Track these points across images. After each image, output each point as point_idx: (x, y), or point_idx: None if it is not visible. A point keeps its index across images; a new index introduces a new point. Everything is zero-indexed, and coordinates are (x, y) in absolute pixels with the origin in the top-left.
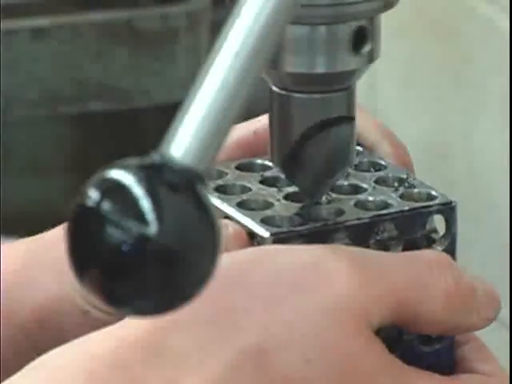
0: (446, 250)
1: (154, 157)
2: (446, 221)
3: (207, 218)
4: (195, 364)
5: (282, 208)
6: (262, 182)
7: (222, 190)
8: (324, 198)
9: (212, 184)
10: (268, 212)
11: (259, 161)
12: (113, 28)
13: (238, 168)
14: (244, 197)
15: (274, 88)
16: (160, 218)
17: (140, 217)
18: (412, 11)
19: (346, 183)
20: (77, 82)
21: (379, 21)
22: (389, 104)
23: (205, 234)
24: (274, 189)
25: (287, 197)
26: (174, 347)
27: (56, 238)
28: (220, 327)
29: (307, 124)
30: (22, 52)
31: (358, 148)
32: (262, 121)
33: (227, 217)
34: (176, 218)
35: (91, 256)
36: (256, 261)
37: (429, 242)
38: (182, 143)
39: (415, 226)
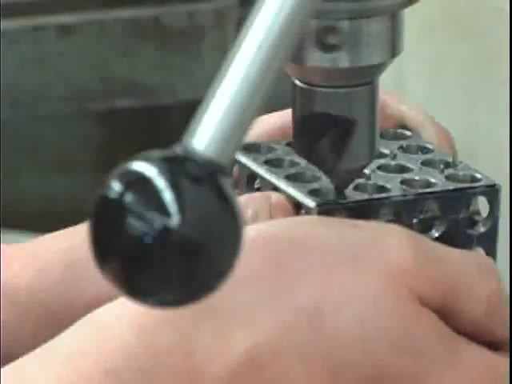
0: (488, 232)
1: (177, 149)
2: (490, 203)
3: (229, 209)
4: (247, 320)
5: (329, 182)
6: None
7: (271, 164)
8: (370, 172)
9: (263, 157)
10: (315, 185)
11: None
12: (139, 25)
13: (288, 145)
14: (292, 170)
15: (297, 82)
16: (182, 209)
17: (162, 208)
18: (439, 11)
19: (393, 163)
20: (103, 79)
21: (403, 15)
22: (416, 103)
23: (226, 225)
24: None
25: None
26: (226, 303)
27: None
28: (276, 286)
29: (330, 118)
30: (49, 49)
31: (407, 132)
32: None
33: (275, 188)
34: (198, 210)
35: (114, 247)
36: (317, 227)
37: (471, 223)
38: (205, 135)
39: (458, 206)
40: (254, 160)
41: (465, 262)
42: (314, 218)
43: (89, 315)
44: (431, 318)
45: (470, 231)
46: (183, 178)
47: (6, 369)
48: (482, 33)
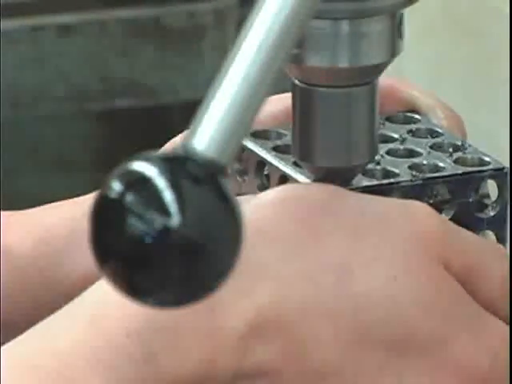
0: (497, 215)
1: (177, 149)
2: (499, 186)
3: (229, 209)
4: (272, 275)
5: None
6: None
7: (280, 150)
8: (379, 158)
9: (271, 144)
10: None
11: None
12: (139, 25)
13: None
14: None
15: (297, 82)
16: (182, 209)
17: (162, 208)
18: (439, 11)
19: (401, 147)
20: (103, 78)
21: (403, 15)
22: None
23: (226, 225)
24: None
25: None
26: (252, 258)
27: None
28: (303, 244)
29: (329, 118)
30: (49, 49)
31: (416, 116)
32: None
33: (284, 175)
34: (198, 210)
35: (114, 247)
36: (344, 193)
37: (481, 207)
38: (205, 136)
39: (467, 190)
40: (263, 146)
41: (482, 243)
42: (340, 187)
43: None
44: (457, 285)
45: (479, 215)
46: (183, 178)
47: (30, 330)
48: (482, 33)
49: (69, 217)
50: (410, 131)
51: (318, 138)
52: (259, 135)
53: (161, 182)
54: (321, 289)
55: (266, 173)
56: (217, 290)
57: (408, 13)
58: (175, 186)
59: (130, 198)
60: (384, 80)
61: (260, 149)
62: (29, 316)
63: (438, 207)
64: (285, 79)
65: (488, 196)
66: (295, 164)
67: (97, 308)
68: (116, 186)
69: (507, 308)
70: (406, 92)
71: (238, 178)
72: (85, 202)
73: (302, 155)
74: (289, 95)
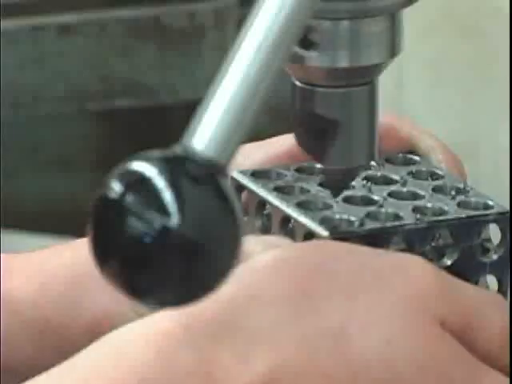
0: (500, 260)
1: (177, 149)
2: (502, 230)
3: (228, 209)
4: (270, 340)
5: (341, 209)
6: (320, 185)
7: (281, 191)
8: (382, 200)
9: (272, 184)
10: (327, 213)
11: (319, 164)
12: (139, 25)
13: (297, 170)
14: (303, 197)
15: (297, 82)
16: (182, 209)
17: (162, 208)
18: (439, 12)
19: (404, 190)
20: (103, 78)
21: (401, 14)
22: (415, 104)
23: (226, 225)
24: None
25: (346, 199)
26: (248, 322)
27: None
28: (300, 308)
29: (330, 118)
30: (49, 49)
31: (416, 157)
32: None
33: (287, 217)
34: (197, 210)
35: (113, 247)
36: (340, 252)
37: (483, 251)
38: (204, 135)
39: (471, 234)
40: (264, 187)
41: (480, 294)
42: (336, 243)
43: (108, 335)
44: (454, 343)
45: (482, 259)
46: (183, 178)
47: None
48: (482, 33)
49: (70, 260)
50: (410, 173)
51: (318, 138)
52: (260, 175)
53: (160, 182)
54: (318, 353)
55: (266, 212)
56: (216, 289)
57: (408, 12)
58: (175, 185)
59: (129, 197)
60: (383, 118)
61: (261, 189)
62: (29, 362)
63: (441, 251)
64: (285, 79)
65: (490, 240)
66: (298, 205)
67: (91, 366)
68: (116, 186)
69: (507, 358)
70: (406, 132)
71: None
72: (84, 247)
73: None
74: (290, 136)
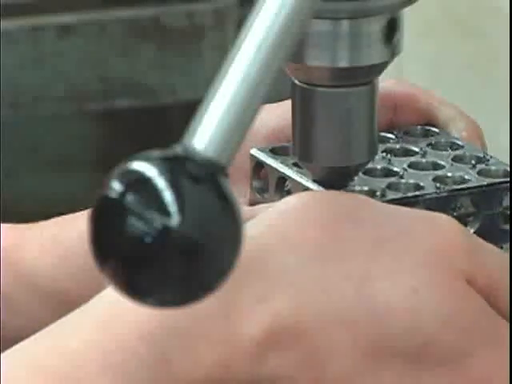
0: None
1: (177, 149)
2: None
3: (229, 209)
4: (290, 282)
5: (362, 182)
6: None
7: (300, 165)
8: (402, 172)
9: (291, 160)
10: (349, 186)
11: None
12: (139, 25)
13: None
14: None
15: (297, 82)
16: (182, 209)
17: (162, 208)
18: (438, 11)
19: (424, 160)
20: (103, 79)
21: (402, 14)
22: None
23: (226, 225)
24: None
25: (366, 172)
26: (272, 265)
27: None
28: (325, 252)
29: (329, 118)
30: (49, 49)
31: (435, 129)
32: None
33: (307, 190)
34: (198, 210)
35: (114, 247)
36: (368, 202)
37: (505, 219)
38: (205, 135)
39: (492, 202)
40: (283, 163)
41: (504, 256)
42: (364, 196)
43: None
44: (479, 299)
45: (504, 226)
46: (183, 178)
47: (43, 331)
48: (482, 33)
49: (84, 236)
50: (429, 144)
51: (318, 137)
52: (278, 151)
53: (161, 182)
54: (340, 298)
55: (286, 189)
56: (216, 289)
57: (408, 12)
58: (175, 185)
59: (130, 197)
60: (405, 88)
61: (281, 165)
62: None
63: (463, 220)
64: (285, 79)
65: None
66: None
67: (109, 310)
68: (116, 186)
69: None
70: (425, 102)
71: (257, 195)
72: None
73: (302, 155)
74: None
